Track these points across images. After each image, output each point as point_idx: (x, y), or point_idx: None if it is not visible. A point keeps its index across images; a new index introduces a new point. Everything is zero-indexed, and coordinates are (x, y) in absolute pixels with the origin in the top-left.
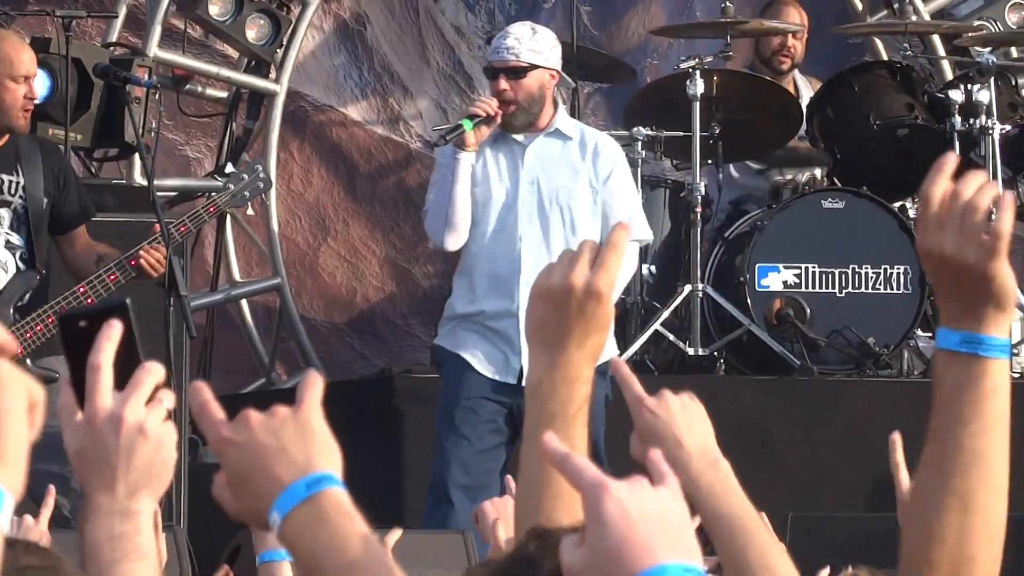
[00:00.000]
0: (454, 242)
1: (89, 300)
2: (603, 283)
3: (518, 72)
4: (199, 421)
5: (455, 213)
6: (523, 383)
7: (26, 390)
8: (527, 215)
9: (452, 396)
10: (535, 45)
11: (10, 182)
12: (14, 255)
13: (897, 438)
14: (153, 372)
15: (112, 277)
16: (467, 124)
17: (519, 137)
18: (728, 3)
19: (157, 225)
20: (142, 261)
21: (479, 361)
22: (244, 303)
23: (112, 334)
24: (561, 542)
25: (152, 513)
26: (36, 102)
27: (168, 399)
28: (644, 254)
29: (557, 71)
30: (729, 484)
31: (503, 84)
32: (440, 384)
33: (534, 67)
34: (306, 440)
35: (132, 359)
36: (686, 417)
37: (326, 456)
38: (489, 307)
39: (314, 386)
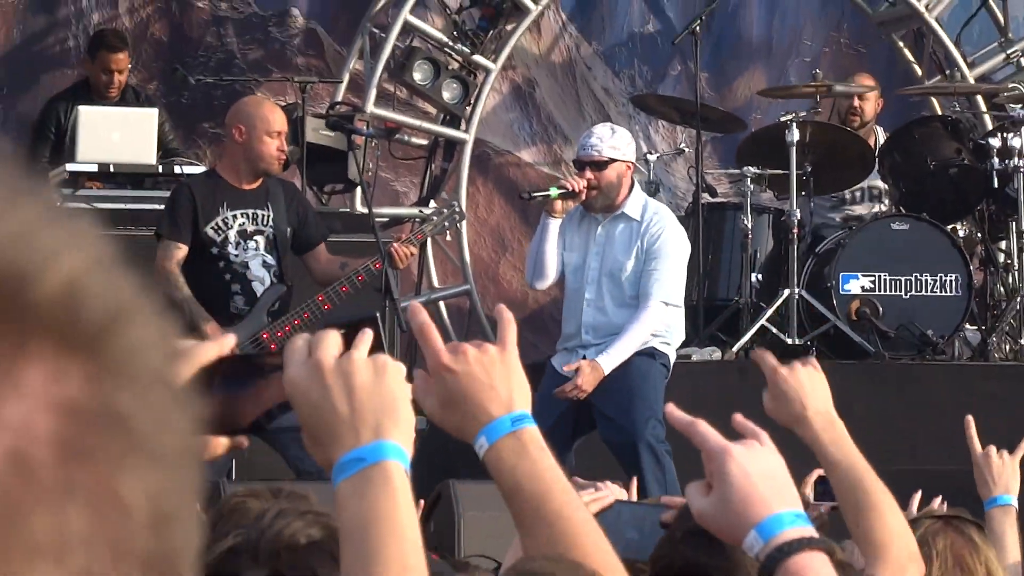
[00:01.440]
0: (538, 284)
1: (327, 306)
2: None
3: (600, 165)
4: (420, 340)
5: (537, 264)
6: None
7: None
8: (592, 280)
9: (542, 389)
10: (614, 143)
11: (263, 215)
12: (268, 272)
13: (970, 420)
14: (367, 335)
15: (344, 288)
16: (553, 191)
17: (599, 216)
18: (817, 71)
19: (403, 234)
20: (395, 252)
21: (559, 364)
22: (441, 304)
23: (366, 339)
24: (687, 487)
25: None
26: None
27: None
28: (753, 264)
29: (632, 162)
30: (844, 438)
31: (588, 174)
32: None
33: (613, 160)
34: (511, 380)
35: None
36: (811, 383)
37: (525, 396)
38: (568, 345)
39: (511, 326)
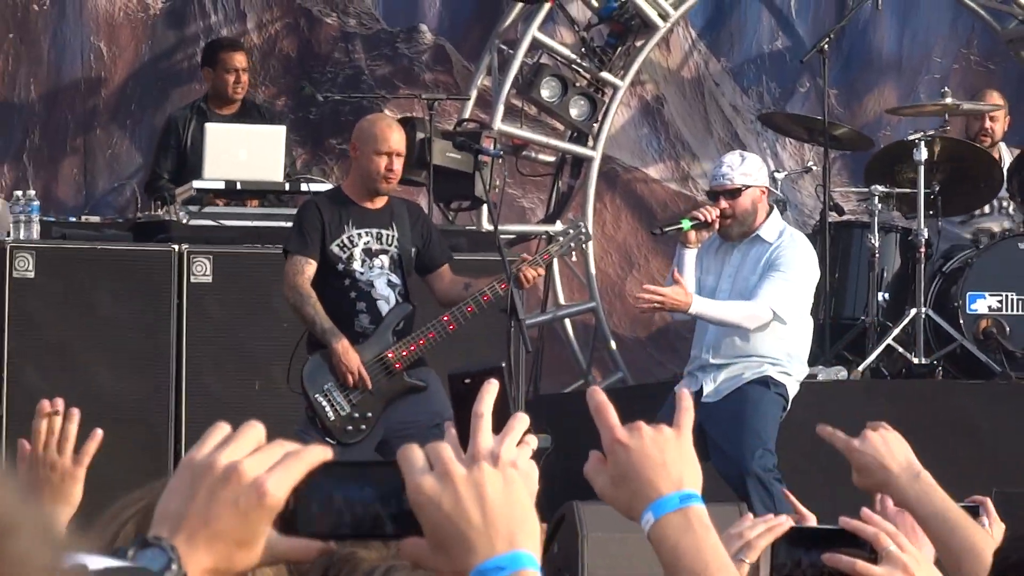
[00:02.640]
0: (677, 315)
1: (452, 326)
2: None
3: (733, 193)
4: (597, 419)
5: None
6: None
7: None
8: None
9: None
10: (745, 169)
11: (388, 235)
12: (394, 291)
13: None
14: (522, 420)
15: (470, 309)
16: (685, 223)
17: (736, 242)
18: (946, 88)
19: (529, 253)
20: (523, 274)
21: (685, 385)
22: (567, 321)
23: (492, 389)
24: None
25: None
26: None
27: (533, 442)
28: (880, 283)
29: (766, 187)
30: (931, 489)
31: (723, 204)
32: None
33: (746, 187)
34: (683, 461)
35: (505, 410)
36: (886, 445)
37: (695, 477)
38: (694, 366)
39: (689, 413)
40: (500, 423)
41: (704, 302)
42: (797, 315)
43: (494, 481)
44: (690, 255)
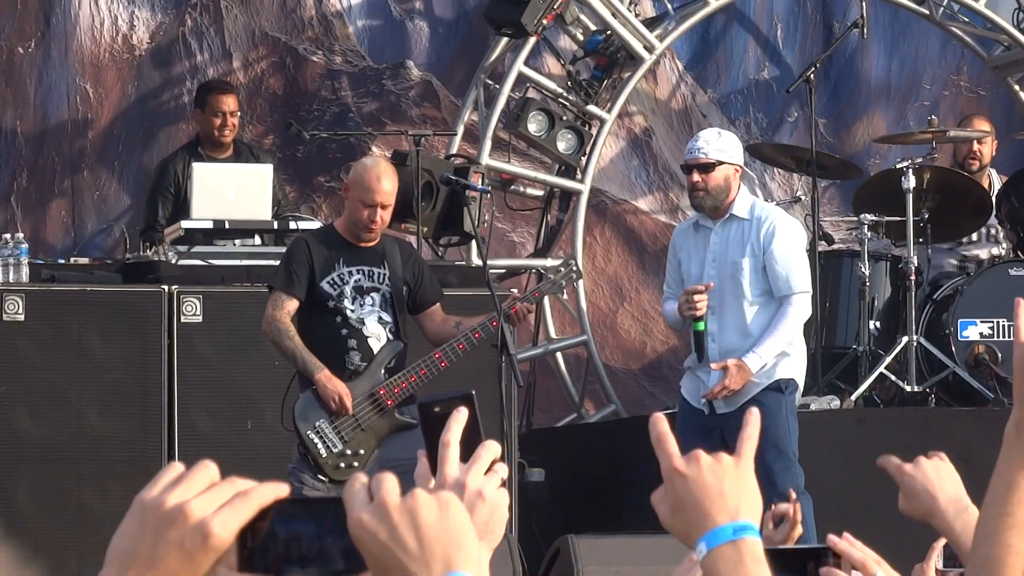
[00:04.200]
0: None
1: (443, 363)
2: None
3: (707, 168)
4: (657, 448)
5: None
6: (725, 411)
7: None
8: (712, 288)
9: (679, 426)
10: (721, 145)
11: (379, 274)
12: (385, 329)
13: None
14: (491, 449)
15: (461, 346)
16: (700, 326)
17: (708, 223)
18: (933, 117)
19: (515, 291)
20: (513, 312)
21: (690, 396)
22: (559, 355)
23: (460, 418)
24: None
25: (488, 559)
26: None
27: (502, 471)
28: (871, 311)
29: (740, 166)
30: (974, 521)
31: (695, 177)
32: None
33: (720, 163)
34: (741, 490)
35: (475, 438)
36: (938, 476)
37: (753, 509)
38: (691, 359)
39: (751, 442)
40: (471, 451)
41: (757, 355)
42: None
43: (428, 507)
44: (697, 333)
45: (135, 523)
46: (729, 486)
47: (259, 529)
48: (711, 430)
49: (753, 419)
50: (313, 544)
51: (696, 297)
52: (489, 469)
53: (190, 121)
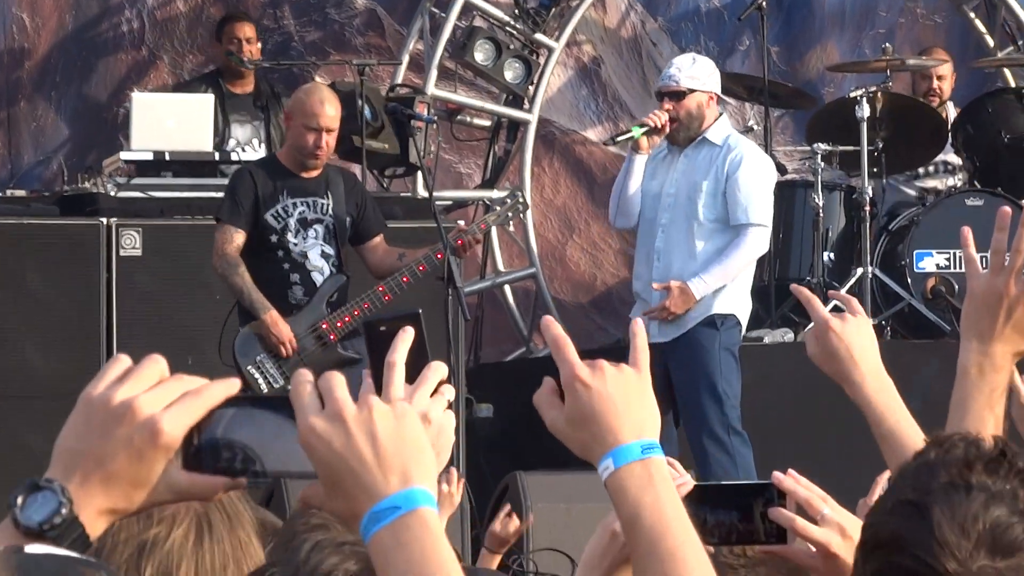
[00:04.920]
0: (621, 222)
1: (387, 297)
2: None
3: (679, 95)
4: (555, 353)
5: (623, 201)
6: (659, 340)
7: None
8: (667, 205)
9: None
10: (693, 72)
11: (323, 204)
12: (327, 262)
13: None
14: (438, 370)
15: (405, 279)
16: (636, 131)
17: (678, 146)
18: (887, 44)
19: (461, 223)
20: (459, 244)
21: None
22: (507, 288)
23: (406, 337)
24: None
25: (435, 483)
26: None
27: (449, 392)
28: (825, 243)
29: (715, 93)
30: (897, 402)
31: (667, 105)
32: None
33: (692, 91)
34: (644, 406)
35: (422, 359)
36: (861, 338)
37: (656, 425)
38: (640, 284)
39: (643, 352)
40: (417, 372)
41: (703, 281)
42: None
43: (385, 418)
44: (640, 160)
45: (81, 420)
46: (634, 401)
47: (207, 427)
48: (655, 362)
49: (639, 330)
50: (263, 444)
51: (660, 113)
52: (435, 391)
53: (129, 51)
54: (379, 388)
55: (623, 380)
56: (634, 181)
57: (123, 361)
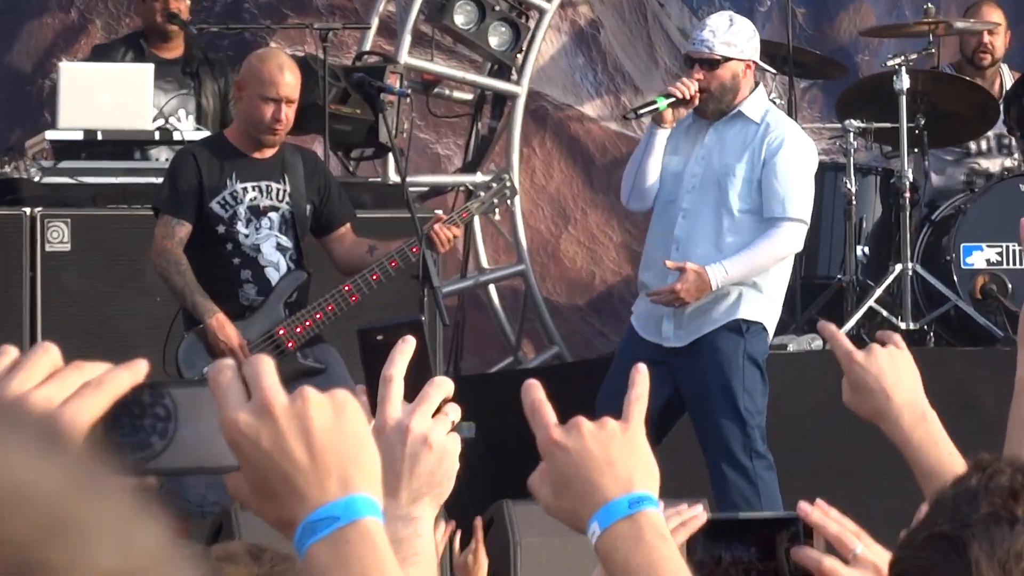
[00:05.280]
0: (636, 204)
1: (354, 298)
2: None
3: (712, 64)
4: (530, 419)
5: (640, 180)
6: (674, 344)
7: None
8: (691, 187)
9: (617, 361)
10: (730, 38)
11: (278, 189)
12: (284, 256)
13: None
14: (441, 386)
15: (375, 277)
16: (660, 101)
17: (707, 119)
18: (929, 4)
19: (439, 212)
20: (435, 235)
21: (640, 323)
22: (492, 288)
23: (406, 348)
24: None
25: (433, 518)
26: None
27: (454, 412)
28: (858, 235)
29: (753, 61)
30: (939, 436)
31: (698, 74)
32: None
33: (727, 59)
34: (632, 457)
35: (423, 373)
36: (894, 370)
37: (649, 476)
38: (651, 276)
39: (639, 403)
40: (417, 388)
41: (723, 268)
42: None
43: (323, 411)
44: (662, 135)
45: None
46: (618, 453)
47: (114, 419)
48: (658, 365)
49: (641, 378)
50: (178, 436)
51: (690, 82)
52: (438, 411)
53: (56, 14)
54: (374, 406)
55: (605, 436)
56: (655, 158)
57: (10, 352)
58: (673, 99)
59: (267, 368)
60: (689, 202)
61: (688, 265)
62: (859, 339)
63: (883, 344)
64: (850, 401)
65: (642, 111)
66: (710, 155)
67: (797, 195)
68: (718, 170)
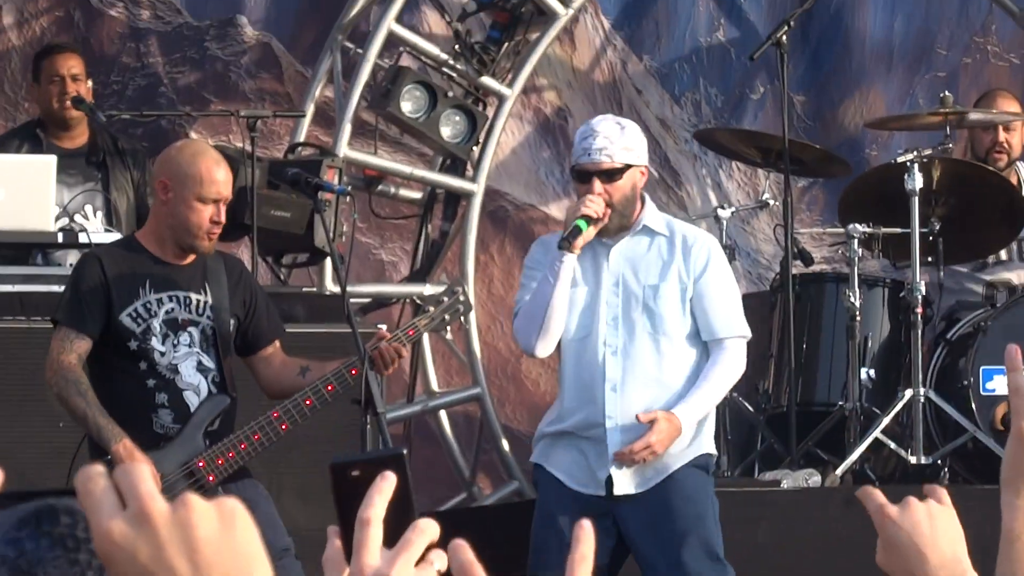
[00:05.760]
0: (544, 348)
1: (284, 426)
2: None
3: (612, 174)
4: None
5: (551, 318)
6: (627, 491)
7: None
8: (611, 319)
9: (544, 519)
10: (627, 143)
11: (198, 301)
12: (206, 378)
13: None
14: (426, 531)
15: (308, 402)
16: (582, 225)
17: (607, 240)
18: (946, 92)
19: (383, 328)
20: (379, 355)
21: (565, 474)
22: (443, 414)
23: (385, 487)
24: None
25: None
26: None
27: (440, 561)
28: (863, 356)
29: (647, 167)
30: None
31: (598, 188)
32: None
33: (628, 167)
34: None
35: (405, 514)
36: (932, 527)
37: None
38: (577, 422)
39: (584, 565)
40: (398, 531)
41: (689, 408)
42: None
43: (207, 518)
44: (569, 262)
45: None
46: None
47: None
48: (600, 517)
49: (585, 536)
50: (42, 561)
51: (595, 198)
52: (422, 559)
53: None
54: (348, 550)
55: None
56: (565, 291)
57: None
58: (592, 220)
59: (143, 474)
60: (613, 336)
61: (659, 413)
62: (863, 474)
63: (923, 498)
64: (883, 562)
65: (572, 239)
66: (623, 280)
67: (735, 309)
68: (641, 295)
